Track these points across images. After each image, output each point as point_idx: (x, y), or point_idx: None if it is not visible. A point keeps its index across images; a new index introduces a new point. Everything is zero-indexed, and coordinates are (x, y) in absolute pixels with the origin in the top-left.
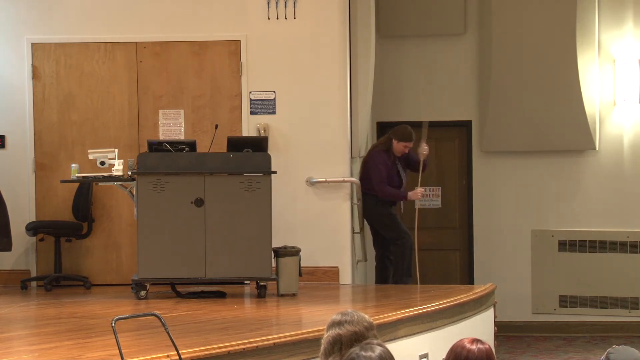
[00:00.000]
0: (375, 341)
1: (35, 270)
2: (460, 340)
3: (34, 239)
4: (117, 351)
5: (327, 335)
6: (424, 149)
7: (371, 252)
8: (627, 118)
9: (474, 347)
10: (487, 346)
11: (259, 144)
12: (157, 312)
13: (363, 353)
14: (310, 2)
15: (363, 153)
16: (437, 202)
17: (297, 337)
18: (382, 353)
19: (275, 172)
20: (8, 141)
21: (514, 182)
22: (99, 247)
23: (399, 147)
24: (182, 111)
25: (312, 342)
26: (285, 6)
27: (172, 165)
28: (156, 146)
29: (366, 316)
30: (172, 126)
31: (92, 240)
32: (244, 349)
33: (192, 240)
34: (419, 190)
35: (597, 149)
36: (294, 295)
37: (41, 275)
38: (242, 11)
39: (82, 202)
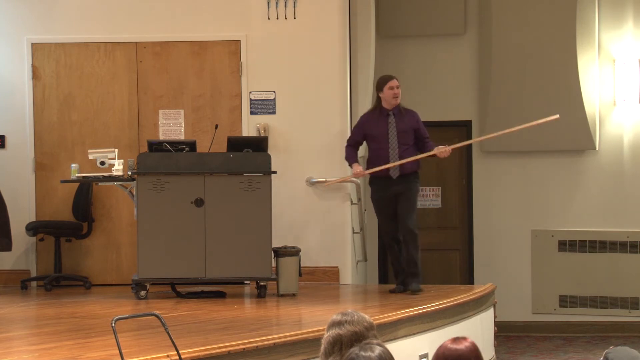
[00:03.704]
0: (375, 341)
1: (35, 270)
2: (442, 343)
3: (34, 239)
4: (117, 351)
5: (327, 335)
6: (445, 150)
7: (371, 252)
8: (627, 118)
9: (458, 346)
10: (470, 342)
11: (259, 144)
12: (157, 312)
13: (363, 353)
14: (310, 2)
15: (362, 153)
16: (437, 202)
17: (297, 337)
18: (381, 353)
19: (275, 172)
20: (8, 141)
21: (514, 182)
22: (99, 247)
23: (386, 95)
24: (182, 111)
25: (312, 342)
26: (285, 6)
27: (172, 165)
28: (156, 146)
29: (366, 316)
30: (172, 126)
31: (92, 240)
32: (244, 349)
33: (192, 240)
34: (361, 170)
35: (597, 149)
36: (294, 295)
37: (41, 275)
38: (242, 11)
39: (82, 202)
